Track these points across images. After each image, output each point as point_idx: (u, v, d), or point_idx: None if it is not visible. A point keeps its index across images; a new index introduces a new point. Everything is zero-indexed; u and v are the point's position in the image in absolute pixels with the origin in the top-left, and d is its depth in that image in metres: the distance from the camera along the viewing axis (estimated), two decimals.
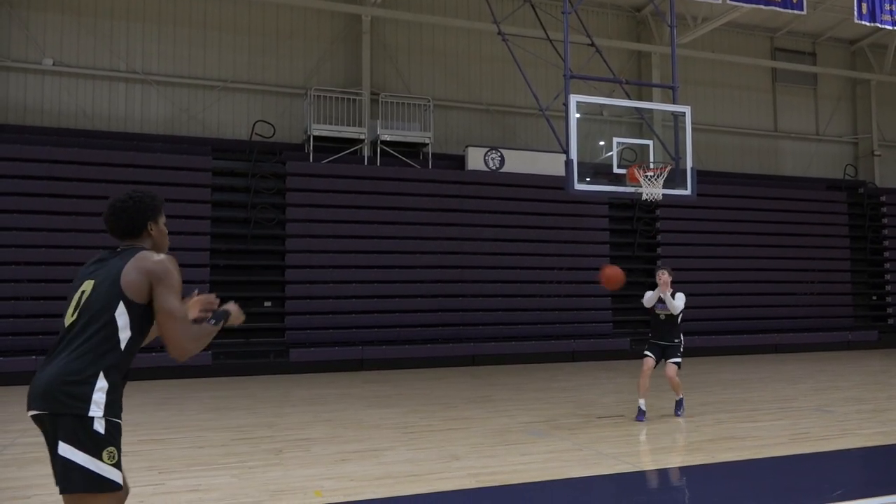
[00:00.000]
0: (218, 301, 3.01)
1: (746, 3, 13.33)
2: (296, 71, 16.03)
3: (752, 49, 20.00)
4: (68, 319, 2.66)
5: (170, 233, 3.07)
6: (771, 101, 20.58)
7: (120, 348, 2.59)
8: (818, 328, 18.40)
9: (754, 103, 20.36)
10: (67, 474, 2.45)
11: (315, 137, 15.15)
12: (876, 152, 21.07)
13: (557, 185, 13.71)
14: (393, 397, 10.19)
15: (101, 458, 2.46)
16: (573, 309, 16.34)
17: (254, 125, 15.42)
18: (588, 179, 10.34)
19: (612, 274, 7.58)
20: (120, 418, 2.60)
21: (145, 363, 11.75)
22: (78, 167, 13.44)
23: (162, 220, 2.95)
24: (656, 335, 8.37)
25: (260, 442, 6.96)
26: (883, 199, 20.36)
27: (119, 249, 2.84)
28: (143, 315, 2.67)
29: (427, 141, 15.82)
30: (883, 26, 14.18)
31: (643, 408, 8.03)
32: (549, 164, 16.20)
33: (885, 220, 20.36)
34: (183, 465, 5.99)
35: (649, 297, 8.31)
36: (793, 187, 19.56)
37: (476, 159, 16.11)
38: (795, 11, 13.80)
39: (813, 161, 20.86)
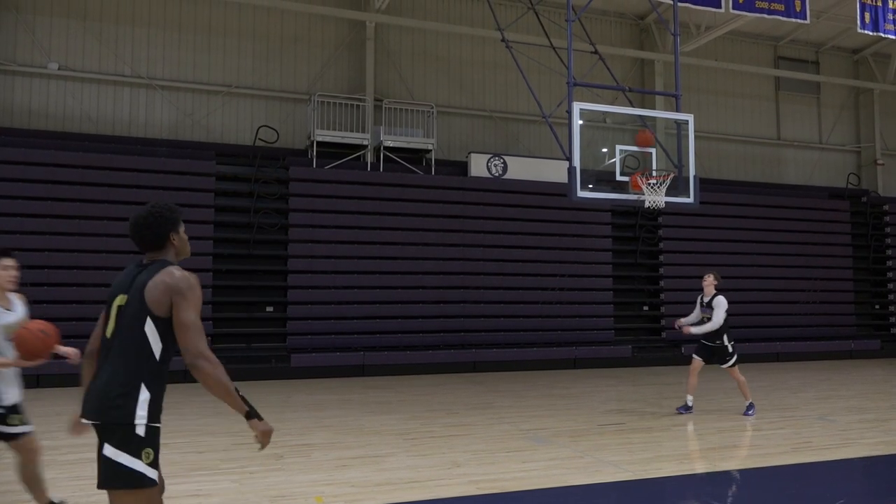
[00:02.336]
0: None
1: (749, 12, 13.38)
2: (300, 77, 16.08)
3: (756, 58, 20.03)
4: (108, 331, 2.94)
5: None
6: (774, 109, 20.60)
7: (155, 359, 2.86)
8: (820, 337, 18.36)
9: (757, 112, 20.37)
10: (109, 473, 2.78)
11: (318, 143, 15.18)
12: (879, 161, 21.06)
13: (560, 192, 13.73)
14: (394, 403, 10.18)
15: (140, 458, 2.77)
16: (575, 316, 16.33)
17: (257, 130, 15.46)
18: (591, 187, 10.35)
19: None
20: (160, 422, 2.89)
21: None
22: (82, 171, 13.48)
23: (182, 229, 3.16)
24: (704, 336, 9.00)
25: None
26: (886, 207, 20.35)
27: (145, 263, 3.06)
28: (163, 325, 2.90)
29: (430, 147, 15.86)
30: (886, 36, 14.22)
31: (689, 403, 8.95)
32: (551, 171, 16.21)
33: (887, 230, 20.34)
34: (184, 469, 5.99)
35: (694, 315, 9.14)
36: (795, 196, 19.56)
37: (479, 166, 16.14)
38: (799, 20, 13.84)
39: (816, 170, 20.85)
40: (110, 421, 2.78)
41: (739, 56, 19.77)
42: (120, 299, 2.94)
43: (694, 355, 9.08)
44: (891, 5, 14.09)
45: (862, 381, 13.00)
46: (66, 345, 4.50)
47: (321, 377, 13.45)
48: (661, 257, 17.73)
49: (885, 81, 20.64)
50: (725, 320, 8.82)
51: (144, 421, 2.79)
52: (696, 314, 9.08)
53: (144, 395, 2.80)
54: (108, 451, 2.77)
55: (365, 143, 15.46)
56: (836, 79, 20.50)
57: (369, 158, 15.65)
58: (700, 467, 6.28)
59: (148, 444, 2.80)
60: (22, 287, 14.18)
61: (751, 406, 8.91)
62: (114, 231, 13.39)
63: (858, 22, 13.98)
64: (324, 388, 12.06)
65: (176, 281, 2.90)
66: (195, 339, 2.83)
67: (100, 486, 2.82)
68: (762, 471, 6.03)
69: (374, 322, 14.79)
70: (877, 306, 20.28)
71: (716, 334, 8.85)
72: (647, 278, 17.92)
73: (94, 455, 3.07)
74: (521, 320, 15.84)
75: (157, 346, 2.86)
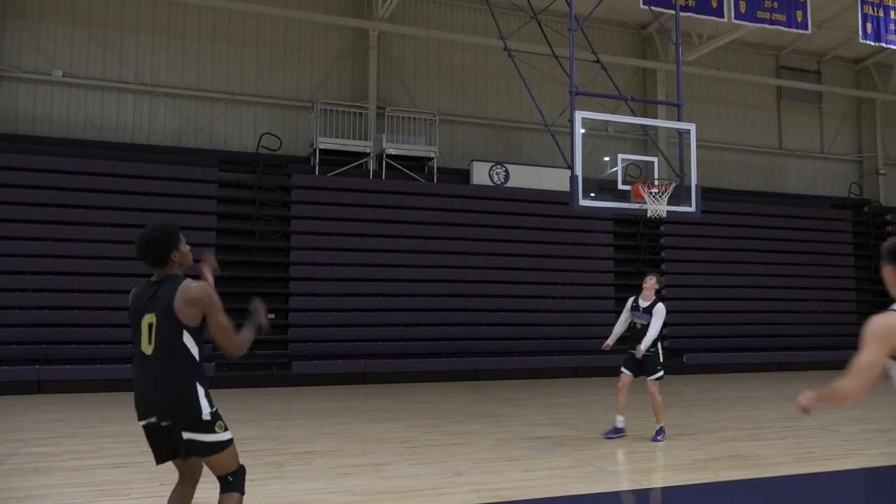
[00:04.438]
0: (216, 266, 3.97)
1: (751, 22, 13.41)
2: (303, 84, 16.13)
3: (757, 67, 20.07)
4: (148, 348, 3.43)
5: None
6: (776, 118, 20.63)
7: (196, 360, 3.46)
8: (822, 346, 18.31)
9: (759, 121, 20.40)
10: (195, 448, 3.41)
11: (321, 150, 15.21)
12: (881, 171, 21.07)
13: (562, 200, 13.74)
14: (395, 411, 10.16)
15: (214, 431, 3.42)
16: (577, 324, 16.30)
17: (260, 138, 15.50)
18: (592, 195, 10.35)
19: None
20: (214, 404, 3.50)
21: None
22: (85, 178, 13.51)
23: (182, 244, 3.58)
24: (632, 342, 7.97)
25: (262, 455, 6.95)
26: (888, 217, 20.33)
27: (155, 280, 3.52)
28: (201, 331, 3.51)
29: (432, 155, 15.88)
30: (888, 46, 14.25)
31: (619, 425, 7.88)
32: (553, 180, 16.22)
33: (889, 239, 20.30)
34: None
35: (620, 320, 8.14)
36: (797, 205, 19.56)
37: (481, 174, 16.16)
38: (800, 30, 13.87)
39: (817, 179, 20.86)
40: (184, 417, 3.36)
41: (741, 65, 19.81)
42: (149, 318, 3.42)
43: (623, 369, 7.98)
44: (892, 16, 14.13)
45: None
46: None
47: (323, 385, 13.42)
48: (663, 266, 17.72)
49: (886, 91, 20.67)
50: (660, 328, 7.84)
51: (208, 409, 3.41)
52: (625, 319, 8.08)
53: (201, 390, 3.41)
54: (188, 435, 3.37)
55: (367, 150, 15.49)
56: (837, 89, 20.53)
57: (371, 166, 15.67)
58: (702, 477, 6.26)
59: (216, 420, 3.43)
60: (25, 293, 14.15)
61: (661, 431, 7.77)
62: (117, 237, 13.41)
63: (860, 32, 14.01)
64: (325, 395, 12.04)
65: (199, 294, 3.43)
66: (230, 339, 3.49)
67: (185, 457, 3.47)
68: (764, 481, 6.01)
69: (376, 330, 14.78)
70: None
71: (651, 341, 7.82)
72: None
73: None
74: (522, 328, 15.83)
75: (194, 350, 3.44)
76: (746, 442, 7.78)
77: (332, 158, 15.43)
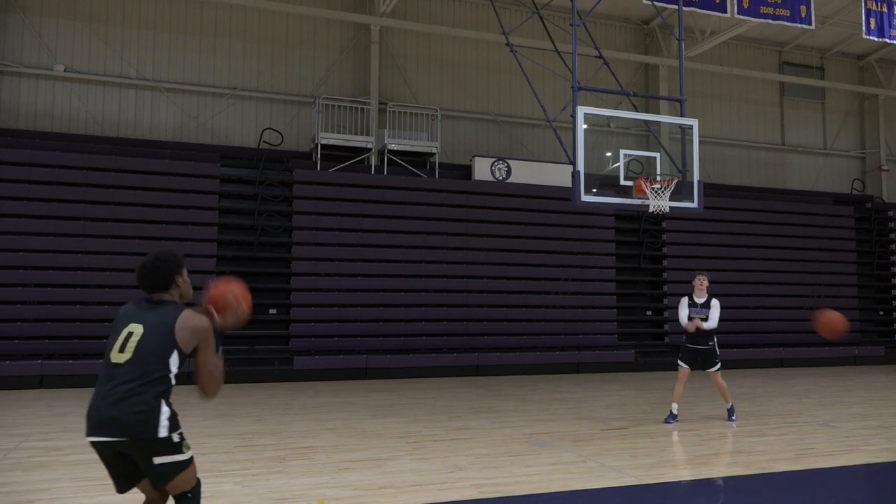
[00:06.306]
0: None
1: (754, 17, 13.38)
2: (304, 79, 16.12)
3: (760, 63, 20.02)
4: (119, 357, 3.30)
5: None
6: (778, 114, 20.58)
7: (171, 382, 3.36)
8: (824, 343, 18.29)
9: (762, 117, 20.36)
10: (165, 473, 3.30)
11: (322, 146, 15.21)
12: (883, 167, 21.02)
13: (564, 195, 13.73)
14: (397, 406, 10.17)
15: (182, 451, 3.34)
16: (578, 320, 16.31)
17: (262, 133, 15.50)
18: (595, 191, 10.35)
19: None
20: (180, 426, 3.38)
21: None
22: (87, 173, 13.52)
23: (185, 272, 3.59)
24: (690, 338, 8.71)
25: (263, 449, 6.96)
26: (890, 213, 20.31)
27: (155, 300, 3.48)
28: (184, 357, 3.44)
29: (434, 150, 15.87)
30: (891, 42, 14.21)
31: (675, 412, 8.72)
32: (555, 175, 16.21)
33: (892, 235, 20.29)
34: None
35: (683, 315, 8.73)
36: (800, 201, 19.52)
37: (483, 169, 16.14)
38: (804, 26, 13.83)
39: (820, 175, 20.82)
40: (143, 437, 3.21)
41: (744, 61, 19.76)
42: (133, 327, 3.35)
43: (680, 363, 8.75)
44: None
45: (866, 387, 12.95)
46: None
47: (324, 380, 13.45)
48: (665, 262, 17.71)
49: (889, 87, 20.62)
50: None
51: (167, 433, 3.26)
52: (685, 315, 8.69)
53: (165, 410, 3.28)
54: (159, 460, 3.27)
55: (369, 146, 15.48)
56: (840, 84, 20.48)
57: (373, 161, 15.67)
58: (703, 472, 6.27)
59: (183, 440, 3.35)
60: (27, 288, 14.17)
61: (733, 410, 8.83)
62: (119, 233, 13.43)
63: (864, 27, 13.97)
64: (327, 390, 12.06)
65: (202, 326, 3.42)
66: (214, 380, 3.44)
67: (159, 488, 3.34)
68: (765, 476, 6.01)
69: (378, 325, 14.79)
70: (881, 312, 20.22)
71: (708, 336, 8.65)
72: (651, 283, 17.90)
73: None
74: (524, 324, 15.83)
75: (174, 371, 3.36)
76: (748, 438, 7.78)
77: (334, 154, 15.42)
